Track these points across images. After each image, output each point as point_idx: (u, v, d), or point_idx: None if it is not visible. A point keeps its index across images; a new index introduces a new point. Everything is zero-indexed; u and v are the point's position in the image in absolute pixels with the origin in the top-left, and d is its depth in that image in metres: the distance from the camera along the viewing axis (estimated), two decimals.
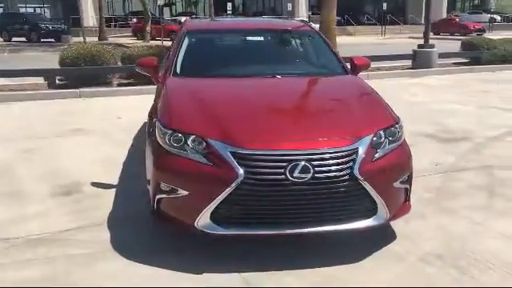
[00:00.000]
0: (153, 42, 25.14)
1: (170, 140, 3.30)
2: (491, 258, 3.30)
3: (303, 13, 39.88)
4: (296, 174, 3.03)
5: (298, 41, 4.99)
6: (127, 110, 8.39)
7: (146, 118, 7.22)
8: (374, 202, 3.21)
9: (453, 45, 17.65)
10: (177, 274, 3.17)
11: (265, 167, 3.06)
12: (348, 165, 3.11)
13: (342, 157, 3.12)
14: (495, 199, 4.35)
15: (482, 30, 36.91)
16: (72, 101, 9.44)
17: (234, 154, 3.09)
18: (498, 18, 50.61)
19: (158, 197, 3.35)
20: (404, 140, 3.53)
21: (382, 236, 3.57)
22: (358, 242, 3.46)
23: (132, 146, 6.12)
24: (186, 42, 4.66)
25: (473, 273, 3.13)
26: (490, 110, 8.09)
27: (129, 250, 3.47)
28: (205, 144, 3.19)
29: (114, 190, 4.65)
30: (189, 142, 3.24)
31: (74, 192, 4.59)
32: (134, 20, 40.28)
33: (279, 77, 4.19)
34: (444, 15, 46.63)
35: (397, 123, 3.50)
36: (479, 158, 5.55)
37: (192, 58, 4.53)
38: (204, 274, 3.15)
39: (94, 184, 4.77)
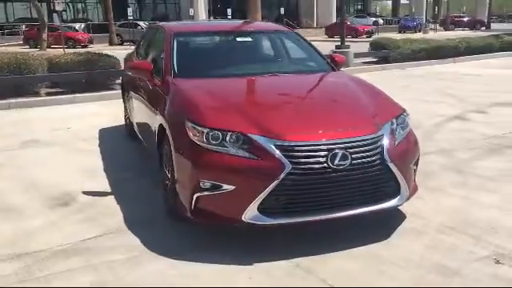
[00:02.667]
0: (50, 51, 23.97)
1: (207, 138, 3.38)
2: (494, 225, 3.79)
3: (203, 17, 40.12)
4: (336, 161, 3.27)
5: (282, 41, 5.22)
6: (71, 119, 8.10)
7: (95, 128, 7.15)
8: (398, 183, 3.54)
9: (355, 45, 18.87)
10: (229, 267, 3.26)
11: (308, 157, 3.27)
12: (378, 150, 3.42)
13: (373, 143, 3.42)
14: (468, 177, 4.92)
15: (371, 32, 39.76)
16: (4, 112, 8.84)
17: (277, 146, 3.26)
18: (381, 21, 54.68)
19: (197, 195, 3.41)
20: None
21: (393, 216, 3.92)
22: (376, 223, 3.77)
23: (102, 154, 5.97)
24: (176, 44, 4.69)
25: (486, 238, 3.58)
26: (418, 102, 8.89)
27: (166, 250, 3.48)
28: (245, 139, 3.32)
29: (111, 196, 4.57)
30: (228, 138, 3.35)
31: (71, 202, 4.44)
32: (24, 27, 37.98)
33: (283, 75, 4.43)
34: (334, 19, 49.46)
35: (404, 111, 3.88)
36: (434, 144, 6.16)
37: (188, 59, 4.60)
38: (255, 265, 3.28)
39: (86, 193, 4.64)
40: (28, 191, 4.73)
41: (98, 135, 6.93)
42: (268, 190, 3.22)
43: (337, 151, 3.28)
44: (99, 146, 6.38)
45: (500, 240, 3.56)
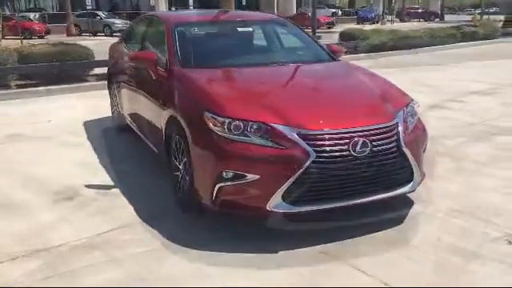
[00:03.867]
0: (6, 42, 23.06)
1: (229, 128, 3.38)
2: (498, 208, 3.97)
3: (163, 8, 39.47)
4: (358, 149, 3.35)
5: (282, 31, 5.25)
6: (50, 112, 7.87)
7: (78, 121, 6.97)
8: (412, 169, 3.65)
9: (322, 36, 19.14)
10: (258, 255, 3.29)
11: (331, 145, 3.33)
12: (395, 137, 3.52)
13: (390, 130, 3.52)
14: (462, 163, 5.11)
15: (332, 23, 40.25)
16: None
17: (301, 135, 3.30)
18: (340, 12, 55.36)
19: (219, 185, 3.41)
20: None
21: (402, 202, 4.03)
22: (387, 209, 3.88)
23: (94, 147, 5.84)
24: (177, 34, 4.64)
25: (493, 221, 3.75)
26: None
27: (186, 242, 3.47)
28: (268, 129, 3.35)
29: (115, 189, 4.50)
30: (250, 128, 3.36)
31: (76, 196, 4.35)
32: None
33: (291, 64, 4.49)
34: (294, 11, 49.68)
35: (412, 100, 4.00)
36: None
37: (193, 50, 4.57)
38: (280, 253, 3.32)
39: (90, 186, 4.55)
40: (28, 186, 4.60)
41: (83, 128, 6.78)
42: (292, 178, 3.26)
43: (357, 139, 3.36)
44: (88, 139, 6.24)
45: (508, 222, 3.73)
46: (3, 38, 26.38)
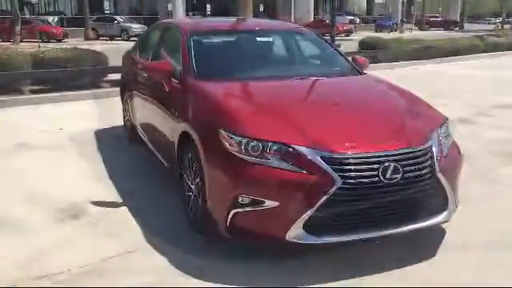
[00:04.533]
0: (24, 45, 23.15)
1: (246, 149, 3.09)
2: None
3: (180, 14, 39.47)
4: (388, 175, 3.03)
5: (304, 41, 4.96)
6: (62, 119, 7.64)
7: (90, 130, 6.74)
8: (447, 196, 3.32)
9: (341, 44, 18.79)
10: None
11: (359, 170, 3.01)
12: (429, 162, 3.19)
13: (424, 154, 3.19)
14: (497, 186, 4.76)
15: (350, 31, 39.90)
16: None
17: (325, 159, 3.00)
18: (357, 19, 54.94)
19: (234, 211, 3.12)
20: None
21: (432, 229, 3.68)
22: (416, 239, 3.53)
23: (104, 160, 5.58)
24: (194, 43, 4.38)
25: None
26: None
27: (200, 271, 3.17)
28: (289, 151, 3.04)
29: (123, 208, 4.23)
30: (269, 149, 3.07)
31: (81, 215, 4.08)
32: None
33: (313, 78, 4.18)
34: (311, 18, 49.38)
35: (447, 119, 3.66)
36: None
37: (210, 60, 4.30)
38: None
39: (96, 203, 4.29)
40: (31, 202, 4.34)
41: (94, 138, 6.54)
42: (315, 206, 2.96)
43: (388, 164, 3.04)
44: (98, 150, 5.99)
45: None
46: (21, 41, 26.76)
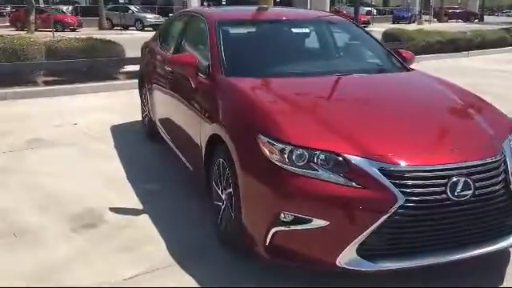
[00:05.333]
0: (38, 34, 22.86)
1: (290, 157, 2.66)
2: None
3: (195, 3, 38.96)
4: (458, 191, 2.58)
5: (341, 32, 4.50)
6: (76, 113, 7.26)
7: (106, 124, 6.36)
8: None
9: None
10: None
11: (423, 186, 2.57)
12: (502, 176, 2.74)
13: (497, 167, 2.73)
14: None
15: (368, 22, 39.12)
16: None
17: (384, 171, 2.55)
18: (374, 11, 54.00)
19: (275, 229, 2.70)
20: None
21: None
22: (480, 262, 3.08)
23: (122, 158, 5.19)
24: (224, 35, 3.94)
25: None
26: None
27: None
28: (341, 161, 2.61)
29: (144, 215, 3.83)
30: (316, 158, 2.63)
31: (99, 223, 3.69)
32: (8, 8, 36.53)
33: (359, 75, 3.72)
34: (327, 8, 48.54)
35: None
36: None
37: (242, 54, 3.88)
38: None
39: (114, 210, 3.89)
40: (44, 207, 3.96)
41: (110, 133, 6.14)
42: (373, 227, 2.52)
43: (457, 178, 2.59)
44: (115, 147, 5.60)
45: None
46: (36, 30, 26.47)
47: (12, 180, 4.54)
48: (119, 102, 8.01)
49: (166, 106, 4.74)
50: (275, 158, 2.70)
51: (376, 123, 2.93)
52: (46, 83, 9.24)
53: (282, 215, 2.65)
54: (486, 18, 55.66)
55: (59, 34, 24.38)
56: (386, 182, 2.53)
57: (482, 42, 15.76)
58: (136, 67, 9.37)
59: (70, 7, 38.43)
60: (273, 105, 3.07)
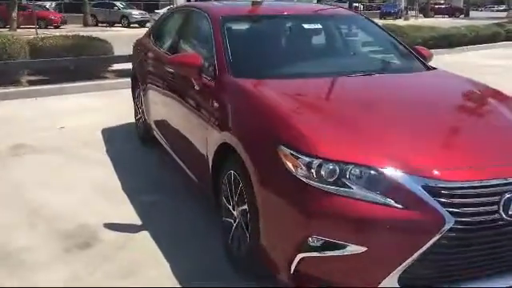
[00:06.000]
0: (21, 31, 22.24)
1: (318, 172, 2.30)
2: None
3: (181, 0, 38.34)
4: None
5: (355, 28, 4.16)
6: (64, 115, 6.84)
7: (96, 128, 5.96)
8: None
9: None
10: None
11: (474, 205, 2.23)
12: None
13: None
14: None
15: None
16: None
17: (429, 189, 2.21)
18: (361, 6, 53.90)
19: (301, 256, 2.35)
20: None
21: None
22: None
23: (115, 166, 4.79)
24: (227, 32, 3.57)
25: None
26: None
27: None
28: (377, 177, 2.26)
29: (144, 232, 3.46)
30: (349, 174, 2.28)
31: (94, 242, 3.30)
32: None
33: (377, 74, 3.37)
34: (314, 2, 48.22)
35: None
36: None
37: (250, 52, 3.51)
38: None
39: (110, 226, 3.51)
40: (32, 224, 3.57)
41: (101, 137, 5.74)
42: (417, 254, 2.18)
43: (511, 195, 2.26)
44: (107, 152, 5.20)
45: None
46: (18, 27, 25.76)
47: None
48: (109, 103, 7.59)
49: (163, 108, 4.36)
50: (301, 173, 2.35)
51: (413, 132, 2.58)
52: (31, 83, 8.77)
53: (310, 239, 2.30)
54: (472, 14, 55.94)
55: (43, 31, 23.81)
56: (432, 201, 2.19)
57: (476, 37, 15.54)
58: (125, 65, 9.00)
59: (54, 3, 37.64)
60: (294, 110, 2.70)
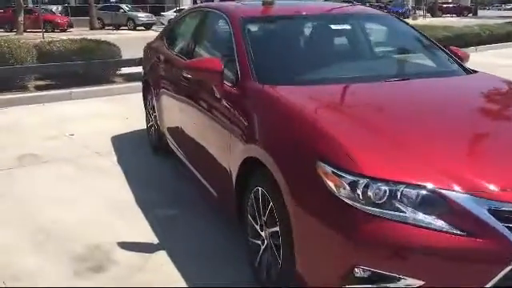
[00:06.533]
0: (27, 35, 22.14)
1: (365, 193, 2.02)
2: None
3: (189, 2, 38.19)
4: None
5: (385, 29, 3.87)
6: (72, 121, 6.59)
7: (106, 135, 5.70)
8: None
9: None
10: None
11: None
12: None
13: None
14: None
15: None
16: None
17: (494, 212, 1.93)
18: (367, 5, 53.44)
19: None
20: None
21: None
22: None
23: (127, 177, 4.53)
24: (249, 34, 3.30)
25: None
26: None
27: None
28: (434, 198, 1.97)
29: (162, 252, 3.19)
30: (401, 195, 2.00)
31: (108, 265, 3.04)
32: None
33: (416, 79, 3.08)
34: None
35: None
36: None
37: (277, 56, 3.23)
38: None
39: (124, 246, 3.24)
40: (40, 244, 3.30)
41: (112, 146, 5.48)
42: (487, 286, 1.90)
43: None
44: (119, 162, 4.94)
45: None
46: (25, 31, 25.65)
47: (0, 209, 3.87)
48: (118, 108, 7.33)
49: (178, 116, 4.09)
50: (344, 193, 2.06)
51: (470, 146, 2.29)
52: (38, 88, 8.53)
53: (356, 270, 2.02)
54: (479, 12, 55.45)
55: (49, 34, 23.71)
56: (499, 226, 1.90)
57: (491, 37, 15.18)
58: (133, 69, 8.80)
59: (60, 7, 37.51)
60: (333, 121, 2.41)
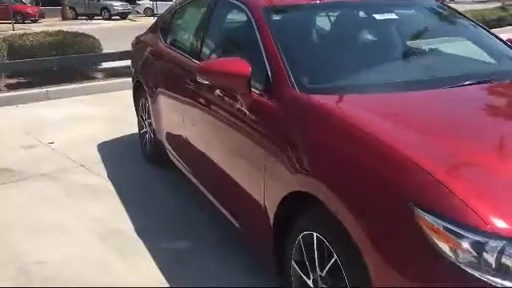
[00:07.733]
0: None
1: (498, 261, 1.41)
2: None
3: None
4: None
5: (437, 20, 3.22)
6: (51, 126, 5.83)
7: (91, 142, 4.99)
8: None
9: None
10: None
11: None
12: None
13: None
14: None
15: None
16: None
17: None
18: None
19: None
20: None
21: None
22: None
23: (122, 197, 3.84)
24: (277, 28, 2.62)
25: None
26: None
27: None
28: None
29: None
30: None
31: None
32: None
33: (496, 83, 2.45)
34: None
35: None
36: None
37: (319, 56, 2.56)
38: None
39: None
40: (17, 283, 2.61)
41: (99, 156, 4.76)
42: None
43: None
44: (109, 177, 4.23)
45: None
46: None
47: None
48: (102, 109, 6.58)
49: (184, 126, 3.41)
50: (464, 258, 1.43)
51: None
52: (10, 87, 7.69)
53: None
54: None
55: (19, 26, 22.59)
56: None
57: (483, 23, 14.70)
58: (114, 64, 8.12)
59: None
60: (427, 149, 1.75)
